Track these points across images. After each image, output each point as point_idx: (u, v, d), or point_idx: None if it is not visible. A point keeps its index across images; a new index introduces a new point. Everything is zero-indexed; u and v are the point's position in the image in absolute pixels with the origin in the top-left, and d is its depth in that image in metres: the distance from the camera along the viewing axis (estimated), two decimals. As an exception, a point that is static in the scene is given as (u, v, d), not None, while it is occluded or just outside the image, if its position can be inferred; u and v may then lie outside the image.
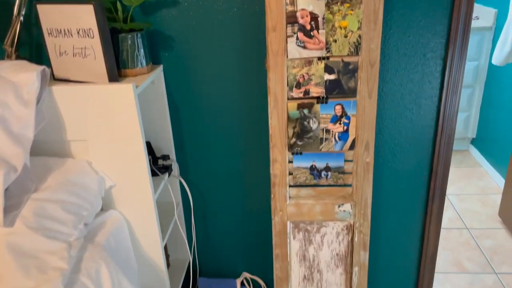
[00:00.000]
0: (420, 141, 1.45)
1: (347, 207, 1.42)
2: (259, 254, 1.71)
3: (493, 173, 2.92)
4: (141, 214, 1.30)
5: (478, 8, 3.05)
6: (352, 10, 1.21)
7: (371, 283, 1.68)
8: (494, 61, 2.57)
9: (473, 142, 3.30)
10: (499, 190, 2.76)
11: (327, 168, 1.39)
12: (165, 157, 1.51)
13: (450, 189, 2.80)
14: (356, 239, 1.45)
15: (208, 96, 1.45)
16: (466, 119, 3.21)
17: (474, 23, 2.93)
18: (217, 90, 1.44)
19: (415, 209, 1.55)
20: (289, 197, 1.43)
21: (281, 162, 1.37)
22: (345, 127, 1.32)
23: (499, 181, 2.81)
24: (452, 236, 2.35)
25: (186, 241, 1.64)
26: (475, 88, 3.11)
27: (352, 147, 1.35)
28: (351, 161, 1.38)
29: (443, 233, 2.37)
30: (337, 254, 1.50)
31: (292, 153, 1.37)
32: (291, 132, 1.34)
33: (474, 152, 3.25)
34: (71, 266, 0.97)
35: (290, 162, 1.39)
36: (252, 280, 1.76)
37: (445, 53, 1.33)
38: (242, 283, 1.73)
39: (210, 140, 1.52)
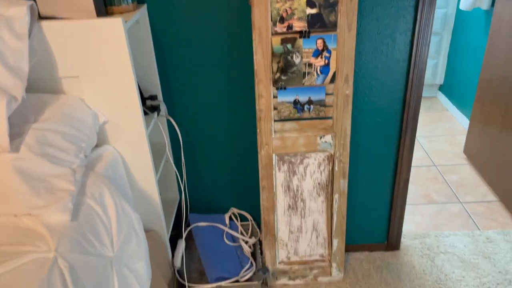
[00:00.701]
0: (394, 75, 1.55)
1: (328, 138, 1.52)
2: (247, 190, 1.81)
3: (459, 116, 3.10)
4: (134, 149, 1.36)
5: (447, -44, 3.12)
6: None
7: (350, 209, 1.82)
8: (461, 6, 2.67)
9: (441, 88, 3.46)
10: (464, 131, 2.94)
11: (310, 102, 1.47)
12: (153, 97, 1.55)
13: (420, 132, 2.97)
14: (336, 168, 1.57)
15: (194, 35, 1.49)
16: (434, 66, 3.35)
17: (443, -29, 3.01)
18: (202, 29, 1.48)
19: (390, 140, 1.68)
20: (274, 131, 1.52)
21: (266, 97, 1.44)
22: (326, 61, 1.40)
23: (464, 123, 2.99)
24: (422, 173, 2.52)
25: (178, 178, 1.71)
26: (443, 35, 3.23)
27: (332, 80, 1.43)
28: (332, 94, 1.46)
29: (413, 170, 2.54)
30: (319, 183, 1.61)
31: (277, 88, 1.44)
32: (275, 67, 1.40)
33: (442, 98, 3.42)
34: (78, 189, 1.03)
35: (275, 97, 1.46)
36: (240, 214, 1.87)
37: (418, -12, 1.40)
38: (230, 218, 1.84)
39: (196, 79, 1.57)
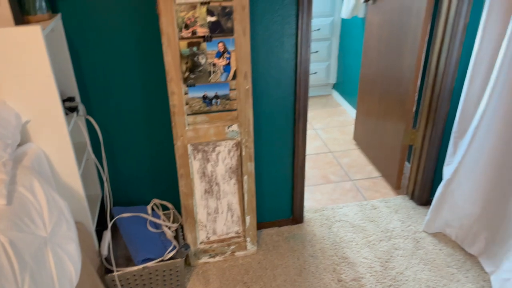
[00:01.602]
0: (285, 71, 1.85)
1: (235, 127, 1.77)
2: (166, 181, 1.99)
3: (349, 110, 3.57)
4: (58, 147, 1.47)
5: (329, -29, 3.59)
6: (224, -37, 1.52)
7: (258, 191, 2.08)
8: (342, 15, 3.13)
9: (334, 86, 3.94)
10: (353, 122, 3.41)
11: (216, 96, 1.71)
12: (71, 99, 1.67)
13: (318, 125, 3.38)
14: (243, 153, 1.82)
15: (107, 41, 1.64)
16: (327, 67, 3.81)
17: (327, -16, 3.47)
18: (115, 35, 1.64)
19: (287, 127, 1.98)
20: (188, 124, 1.73)
21: (178, 93, 1.65)
22: (228, 61, 1.65)
23: (353, 115, 3.46)
24: (320, 158, 2.90)
25: (101, 174, 1.83)
26: (332, 40, 3.70)
27: (234, 77, 1.69)
28: (235, 89, 1.72)
29: (313, 157, 2.91)
30: (230, 168, 1.85)
31: (187, 86, 1.66)
32: (184, 67, 1.62)
33: (336, 95, 3.89)
34: (9, 178, 1.15)
35: (186, 93, 1.67)
36: (162, 205, 2.03)
37: (297, 1, 1.71)
38: (152, 208, 2.00)
39: (113, 81, 1.72)
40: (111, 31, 1.63)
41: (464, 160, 1.88)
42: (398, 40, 2.33)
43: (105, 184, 1.88)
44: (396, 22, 2.34)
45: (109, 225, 1.82)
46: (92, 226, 1.67)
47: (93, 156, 1.81)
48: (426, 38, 2.10)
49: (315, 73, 3.78)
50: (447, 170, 1.99)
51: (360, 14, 3.06)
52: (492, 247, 1.88)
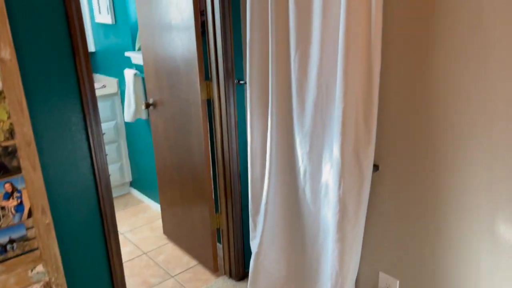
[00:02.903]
0: (87, 195, 1.81)
1: (40, 268, 1.61)
2: None
3: (153, 204, 3.63)
4: None
5: (104, 79, 3.72)
6: (-2, 103, 1.45)
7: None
8: (126, 119, 3.26)
9: (132, 184, 3.95)
10: (160, 215, 3.48)
11: (11, 241, 1.53)
12: None
13: (124, 228, 3.29)
14: (55, 292, 1.65)
15: None
16: (121, 167, 3.82)
17: (104, 91, 3.57)
18: None
19: (99, 249, 1.90)
20: (-22, 282, 1.47)
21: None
22: (19, 200, 1.52)
23: (158, 208, 3.53)
24: (136, 263, 2.83)
25: None
26: (120, 141, 3.76)
27: (30, 215, 1.56)
28: (32, 227, 1.58)
29: (128, 264, 2.81)
30: (41, 314, 1.64)
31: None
32: (-36, 219, 1.41)
33: (135, 192, 3.90)
34: None
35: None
36: None
37: (84, 123, 1.75)
38: None
39: None
40: None
41: (264, 233, 2.18)
42: (185, 139, 2.58)
43: None
44: (179, 123, 2.60)
45: None
46: None
47: None
48: (208, 135, 2.42)
49: (110, 175, 3.72)
50: (253, 244, 2.26)
51: (143, 117, 3.26)
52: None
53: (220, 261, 2.69)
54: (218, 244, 2.77)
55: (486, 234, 1.49)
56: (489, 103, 1.38)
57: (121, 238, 3.14)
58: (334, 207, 1.77)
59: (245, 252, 2.53)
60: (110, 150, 3.70)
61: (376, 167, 1.76)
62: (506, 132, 1.36)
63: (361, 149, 1.68)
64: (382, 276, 1.89)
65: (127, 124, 3.69)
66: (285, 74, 1.91)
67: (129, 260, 2.87)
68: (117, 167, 3.79)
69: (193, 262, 2.80)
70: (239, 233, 2.49)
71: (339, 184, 1.73)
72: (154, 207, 3.61)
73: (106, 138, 3.65)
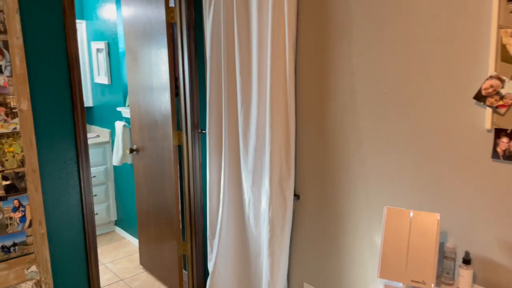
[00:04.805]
0: (74, 214, 2.31)
1: (34, 268, 2.08)
2: None
3: (133, 240, 4.07)
4: None
5: (98, 130, 4.32)
6: (15, 141, 2.01)
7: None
8: (114, 163, 3.81)
9: (116, 223, 4.41)
10: (138, 250, 3.91)
11: (14, 244, 2.02)
12: None
13: (106, 260, 3.72)
14: (43, 289, 2.11)
15: None
16: (107, 207, 4.30)
17: (97, 140, 4.15)
18: None
19: (80, 256, 2.37)
20: (-14, 275, 1.94)
21: (-24, 249, 1.89)
22: (23, 213, 2.03)
23: (137, 244, 3.97)
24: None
25: None
26: (108, 184, 4.28)
27: (30, 225, 2.06)
28: (31, 235, 2.07)
29: (106, 288, 3.23)
30: (31, 307, 2.09)
31: (-15, 240, 1.93)
32: (-18, 224, 1.91)
33: (119, 230, 4.35)
34: None
35: (-17, 247, 1.93)
36: None
37: (77, 159, 2.29)
38: None
39: None
40: None
41: (218, 254, 2.65)
42: (160, 179, 3.12)
43: None
44: (155, 166, 3.15)
45: None
46: None
47: None
48: (178, 175, 2.96)
49: (97, 214, 4.20)
50: (210, 265, 2.72)
51: (129, 161, 3.81)
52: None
53: (186, 285, 3.11)
54: (184, 271, 3.20)
55: (367, 240, 1.99)
56: (363, 146, 1.94)
57: (102, 268, 3.58)
58: (266, 227, 2.28)
59: (207, 276, 2.96)
60: (99, 191, 4.21)
61: (297, 196, 2.29)
62: (377, 178, 1.91)
63: (284, 181, 2.23)
64: (306, 286, 2.35)
65: (115, 168, 4.23)
66: (234, 126, 2.50)
67: (108, 285, 3.28)
68: (105, 206, 4.27)
69: (163, 287, 3.22)
70: (200, 257, 2.95)
71: (269, 209, 2.25)
72: (134, 243, 4.05)
73: (96, 180, 4.18)
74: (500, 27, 1.45)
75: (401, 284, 1.54)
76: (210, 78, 2.56)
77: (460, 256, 1.60)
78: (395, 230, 1.55)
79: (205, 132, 2.78)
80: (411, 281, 1.50)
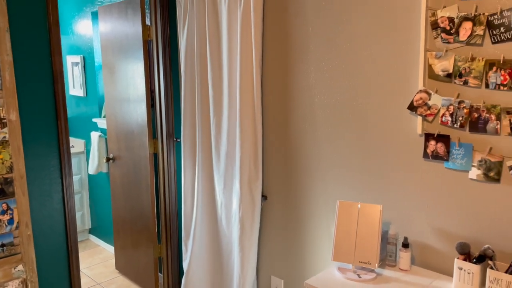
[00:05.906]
0: (57, 216, 2.47)
1: (20, 267, 2.23)
2: None
3: (108, 247, 4.20)
4: None
5: (73, 140, 4.44)
6: (4, 149, 2.17)
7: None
8: (89, 172, 3.95)
9: (91, 231, 4.52)
10: (113, 256, 4.05)
11: (2, 245, 2.17)
12: None
13: (82, 266, 3.83)
14: (29, 287, 2.26)
15: None
16: (82, 216, 4.42)
17: (72, 150, 4.28)
18: None
19: (62, 257, 2.52)
20: (-25, 273, 2.08)
21: (-34, 249, 2.04)
22: (11, 216, 2.19)
23: (112, 251, 4.10)
24: (90, 291, 3.37)
25: None
26: (83, 193, 4.40)
27: (17, 227, 2.21)
28: (18, 236, 2.23)
29: (83, 291, 3.35)
30: (17, 304, 2.23)
31: (-25, 241, 2.07)
32: (-28, 226, 2.06)
33: (93, 238, 4.47)
34: None
35: (-27, 248, 2.07)
36: None
37: (60, 166, 2.47)
38: None
39: None
40: None
41: (192, 254, 2.86)
42: (136, 186, 3.30)
43: None
44: (132, 174, 3.33)
45: None
46: None
47: None
48: (154, 181, 3.16)
49: (72, 222, 4.31)
50: (185, 265, 2.92)
51: (104, 170, 3.97)
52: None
53: (161, 287, 3.29)
54: (160, 274, 3.38)
55: (325, 230, 2.27)
56: (321, 150, 2.23)
57: (79, 271, 3.70)
58: (237, 226, 2.52)
59: (181, 277, 3.16)
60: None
61: (265, 197, 2.55)
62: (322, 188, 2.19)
63: (253, 183, 2.48)
64: (273, 279, 2.60)
65: (90, 177, 4.37)
66: (207, 134, 2.74)
67: (85, 288, 3.41)
68: (79, 215, 4.38)
69: (139, 289, 3.39)
70: (175, 259, 3.14)
71: (239, 209, 2.49)
72: (109, 250, 4.18)
73: (71, 189, 4.29)
74: (427, 50, 1.77)
75: (351, 265, 1.82)
76: (184, 90, 2.80)
77: (400, 242, 1.89)
78: (345, 220, 1.84)
79: (180, 140, 3.00)
80: (359, 262, 1.78)
